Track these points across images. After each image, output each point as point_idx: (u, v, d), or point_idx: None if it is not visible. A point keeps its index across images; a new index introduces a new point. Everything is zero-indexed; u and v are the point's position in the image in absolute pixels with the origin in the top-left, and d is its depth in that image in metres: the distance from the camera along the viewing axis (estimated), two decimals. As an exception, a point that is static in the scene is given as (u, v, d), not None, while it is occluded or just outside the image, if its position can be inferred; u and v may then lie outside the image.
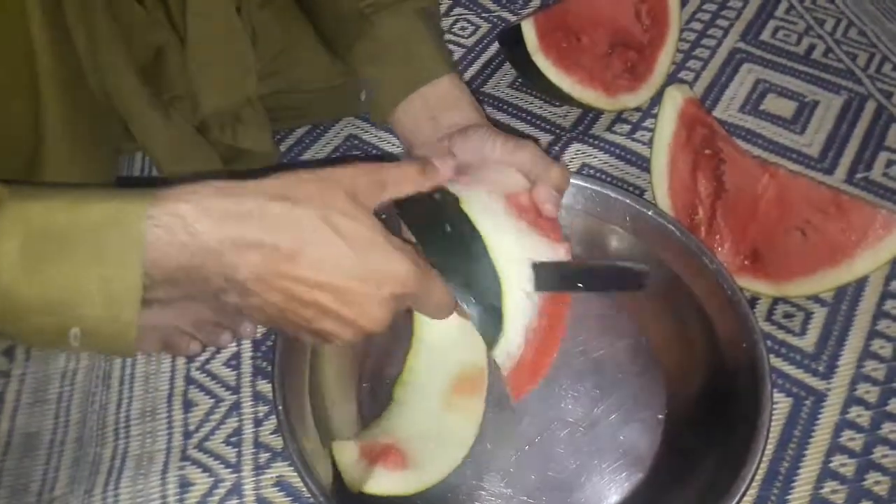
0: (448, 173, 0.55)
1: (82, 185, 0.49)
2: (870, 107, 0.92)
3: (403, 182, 0.52)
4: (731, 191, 0.74)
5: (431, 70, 0.66)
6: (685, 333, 0.68)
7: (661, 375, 0.68)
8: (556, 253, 0.57)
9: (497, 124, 0.67)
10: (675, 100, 0.76)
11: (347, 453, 0.58)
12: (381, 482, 0.56)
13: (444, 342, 0.63)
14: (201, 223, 0.42)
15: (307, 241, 0.44)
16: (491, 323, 0.54)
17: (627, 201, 0.70)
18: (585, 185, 0.71)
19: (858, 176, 0.85)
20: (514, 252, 0.55)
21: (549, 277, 0.56)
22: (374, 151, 0.87)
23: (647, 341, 0.70)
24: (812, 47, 0.99)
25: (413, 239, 0.54)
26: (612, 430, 0.65)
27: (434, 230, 0.53)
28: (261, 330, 0.73)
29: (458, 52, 0.99)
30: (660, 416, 0.66)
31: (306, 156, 0.87)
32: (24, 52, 0.54)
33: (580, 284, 0.59)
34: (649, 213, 0.69)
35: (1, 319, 0.42)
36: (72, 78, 0.58)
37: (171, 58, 0.70)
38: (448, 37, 1.01)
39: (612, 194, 0.70)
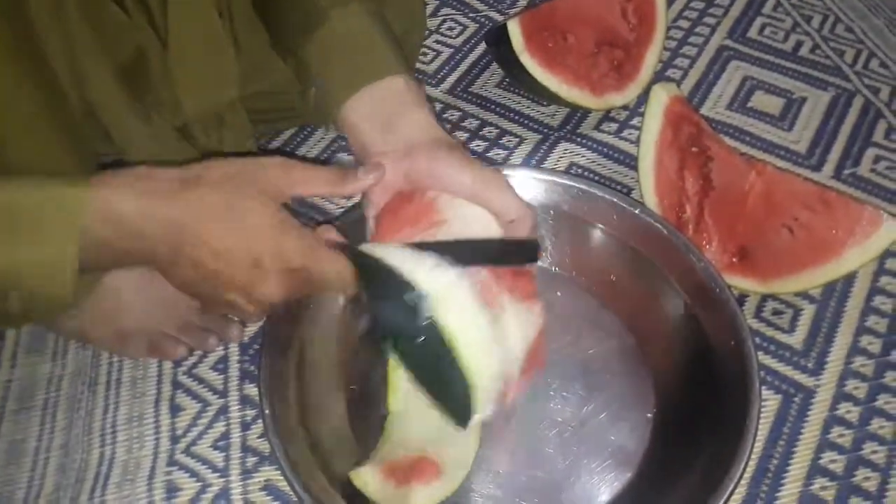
0: (367, 184, 0.55)
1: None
2: (857, 103, 0.92)
3: (314, 183, 0.54)
4: (719, 188, 0.74)
5: (382, 67, 0.61)
6: (673, 332, 0.68)
7: (649, 375, 0.68)
8: (531, 318, 0.56)
9: (456, 127, 0.65)
10: (661, 98, 0.76)
11: (370, 480, 0.57)
12: (421, 497, 0.56)
13: None
14: (127, 204, 0.47)
15: (209, 218, 0.49)
16: (460, 417, 0.54)
17: (614, 200, 0.70)
18: (572, 184, 0.71)
19: (846, 172, 0.85)
20: (486, 365, 0.53)
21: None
22: (362, 153, 0.87)
23: (634, 341, 0.70)
24: (799, 44, 0.99)
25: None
26: (601, 430, 0.65)
27: (407, 341, 0.53)
28: (248, 333, 0.72)
29: (445, 52, 0.99)
30: (648, 415, 0.65)
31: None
32: None
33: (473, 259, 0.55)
34: (636, 211, 0.69)
35: None
36: (40, 85, 0.57)
37: (152, 61, 0.70)
38: (435, 37, 1.00)
39: (599, 193, 0.70)
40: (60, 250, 0.47)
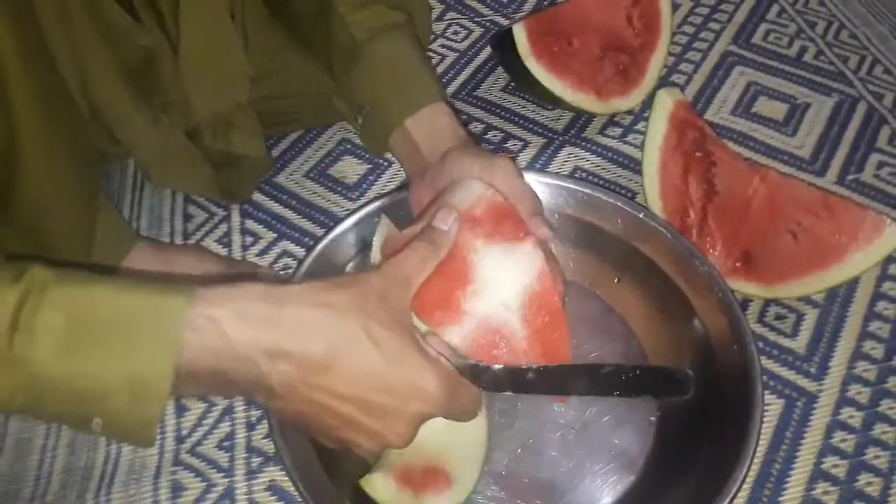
0: (453, 233, 0.52)
1: (124, 275, 0.48)
2: (861, 109, 0.92)
3: (422, 267, 0.50)
4: (723, 193, 0.75)
5: (426, 95, 0.64)
6: (677, 336, 0.68)
7: (653, 378, 0.68)
8: (519, 259, 0.54)
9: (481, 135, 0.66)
10: (665, 103, 0.76)
11: (384, 487, 0.57)
12: None
13: None
14: (235, 329, 0.41)
15: (341, 352, 0.43)
16: None
17: (619, 204, 0.70)
18: (576, 187, 0.71)
19: (850, 177, 0.85)
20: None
21: (585, 385, 0.54)
22: (367, 156, 0.87)
23: (638, 343, 0.70)
24: (803, 50, 0.99)
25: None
26: (604, 433, 0.65)
27: None
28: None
29: (450, 56, 0.99)
30: (651, 419, 0.66)
31: (299, 160, 0.87)
32: None
33: (616, 392, 0.55)
34: (641, 215, 0.69)
35: (27, 400, 0.41)
36: (45, 84, 0.57)
37: (162, 63, 0.71)
38: (441, 41, 1.01)
39: (604, 197, 0.70)
40: (156, 366, 0.40)
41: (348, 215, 0.68)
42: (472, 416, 0.52)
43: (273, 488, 0.64)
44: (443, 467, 0.59)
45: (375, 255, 0.57)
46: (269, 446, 0.66)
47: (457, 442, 0.60)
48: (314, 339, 0.43)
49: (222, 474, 0.65)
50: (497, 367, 0.51)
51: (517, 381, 0.51)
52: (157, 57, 0.71)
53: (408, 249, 0.50)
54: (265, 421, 0.67)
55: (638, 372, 0.54)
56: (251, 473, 0.65)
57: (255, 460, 0.65)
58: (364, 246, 0.68)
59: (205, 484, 0.64)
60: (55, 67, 0.59)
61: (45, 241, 0.61)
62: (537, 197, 0.60)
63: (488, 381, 0.51)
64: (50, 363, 0.40)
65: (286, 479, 0.64)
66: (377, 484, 0.57)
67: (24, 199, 0.57)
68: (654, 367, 0.55)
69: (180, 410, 0.68)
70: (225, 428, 0.67)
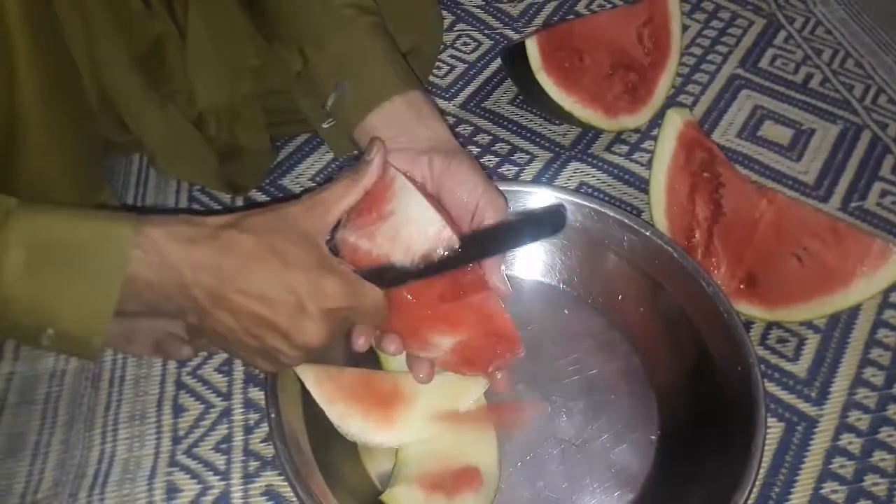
0: (379, 163, 0.56)
1: (80, 206, 0.51)
2: (865, 137, 0.93)
3: (339, 199, 0.54)
4: (729, 214, 0.75)
5: (401, 82, 0.62)
6: (680, 355, 0.68)
7: (653, 396, 0.68)
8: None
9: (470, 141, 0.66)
10: (675, 122, 0.77)
11: (411, 498, 0.57)
12: None
13: None
14: (168, 247, 0.48)
15: (248, 261, 0.49)
16: None
17: (626, 221, 0.70)
18: (584, 202, 0.71)
19: (853, 205, 0.85)
20: None
21: (474, 249, 0.56)
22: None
23: (640, 362, 0.70)
24: (809, 76, 1.00)
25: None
26: (604, 450, 0.65)
27: None
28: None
29: (459, 67, 0.99)
30: (652, 437, 0.65)
31: (306, 163, 0.87)
32: None
33: (502, 245, 0.59)
34: (647, 233, 0.69)
35: None
36: (53, 68, 0.57)
37: (170, 51, 0.71)
38: (450, 51, 1.01)
39: (610, 213, 0.70)
40: (99, 289, 0.46)
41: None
42: (378, 316, 0.55)
43: (270, 493, 0.63)
44: (470, 465, 0.58)
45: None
46: (267, 450, 0.65)
47: (470, 439, 0.60)
48: (229, 253, 0.49)
49: (218, 477, 0.64)
50: (399, 263, 0.55)
51: (418, 271, 0.55)
52: (165, 44, 0.70)
53: (333, 181, 0.55)
54: (263, 425, 0.67)
55: (514, 224, 0.57)
56: (248, 477, 0.64)
57: (253, 464, 0.64)
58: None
59: (200, 486, 0.63)
60: (66, 51, 0.59)
61: None
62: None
63: (392, 278, 0.54)
64: (11, 283, 0.44)
65: (283, 484, 0.63)
66: (402, 496, 0.56)
67: (24, 177, 0.57)
68: (527, 214, 0.59)
69: (178, 411, 0.68)
70: (222, 430, 0.67)
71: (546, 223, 0.59)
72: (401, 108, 0.61)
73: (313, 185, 0.85)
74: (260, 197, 0.83)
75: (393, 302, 0.55)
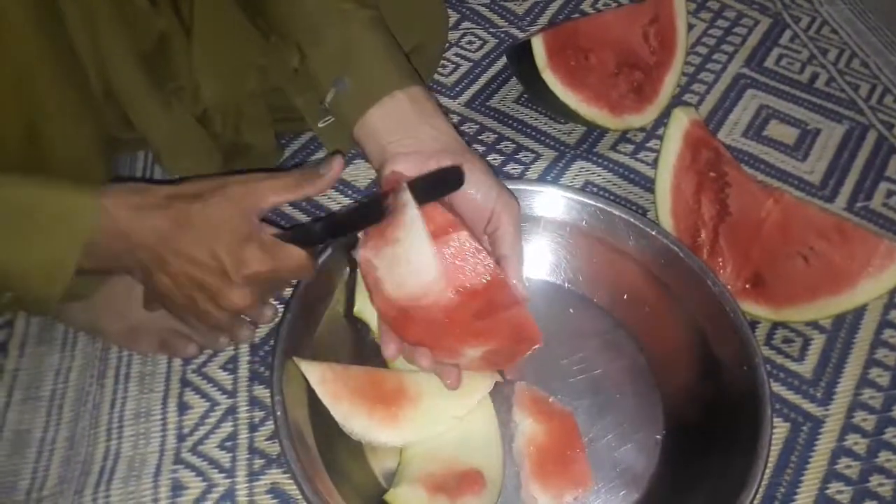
0: (329, 180, 0.58)
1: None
2: (871, 137, 0.92)
3: (277, 191, 0.57)
4: (735, 214, 0.75)
5: (400, 78, 0.61)
6: (685, 355, 0.68)
7: (659, 396, 0.68)
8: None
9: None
10: (681, 121, 0.76)
11: (414, 498, 0.57)
12: None
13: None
14: (121, 213, 0.52)
15: (185, 228, 0.54)
16: None
17: (632, 220, 0.70)
18: (590, 202, 0.71)
19: (859, 205, 0.85)
20: None
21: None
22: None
23: (646, 361, 0.70)
24: (815, 76, 1.00)
25: None
26: (608, 449, 0.64)
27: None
28: (259, 335, 0.72)
29: (464, 66, 0.99)
30: (657, 437, 0.65)
31: (311, 161, 0.87)
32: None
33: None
34: (653, 232, 0.69)
35: None
36: (64, 62, 0.57)
37: (175, 48, 0.70)
38: (455, 50, 1.01)
39: (617, 213, 0.70)
40: (64, 254, 0.52)
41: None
42: (304, 272, 0.59)
43: (275, 491, 0.63)
44: (474, 468, 0.58)
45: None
46: (272, 448, 0.65)
47: (475, 442, 0.60)
48: (171, 220, 0.54)
49: (224, 475, 0.64)
50: (314, 223, 0.58)
51: (329, 228, 0.58)
52: (171, 41, 0.70)
53: (285, 172, 0.59)
54: (269, 423, 0.67)
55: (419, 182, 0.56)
56: (253, 475, 0.64)
57: (258, 462, 0.64)
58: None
59: (206, 484, 0.63)
60: (71, 47, 0.59)
61: None
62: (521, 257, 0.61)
63: (306, 237, 0.58)
64: None
65: (288, 482, 0.63)
66: (405, 495, 0.56)
67: (54, 167, 0.58)
68: (428, 175, 0.57)
69: (182, 409, 0.68)
70: (227, 428, 0.67)
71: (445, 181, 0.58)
72: (402, 103, 0.60)
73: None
74: (265, 195, 0.83)
75: (426, 320, 0.56)
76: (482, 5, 1.08)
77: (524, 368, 0.63)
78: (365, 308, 0.63)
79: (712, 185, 0.76)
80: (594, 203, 0.71)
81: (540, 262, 0.74)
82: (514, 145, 0.90)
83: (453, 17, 1.05)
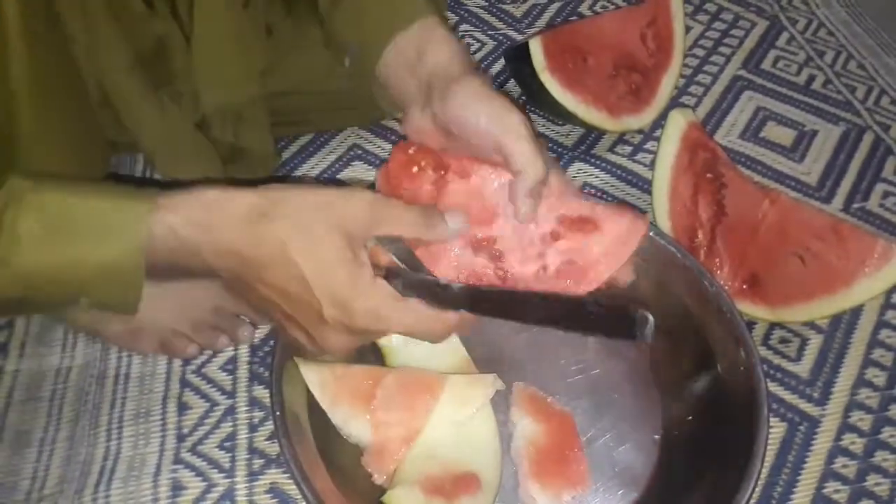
0: (454, 233, 0.53)
1: (96, 182, 0.52)
2: (867, 138, 0.93)
3: (400, 224, 0.51)
4: (732, 215, 0.75)
5: (407, 13, 0.60)
6: (682, 355, 0.68)
7: (657, 396, 0.68)
8: None
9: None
10: (678, 123, 0.77)
11: (412, 500, 0.57)
12: None
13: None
14: (187, 231, 0.47)
15: (274, 257, 0.48)
16: None
17: None
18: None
19: (855, 206, 0.86)
20: None
21: (539, 315, 0.51)
22: (377, 162, 0.87)
23: (644, 361, 0.70)
24: (812, 78, 1.00)
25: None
26: (606, 450, 0.65)
27: None
28: (259, 335, 0.72)
29: (463, 68, 0.99)
30: (655, 437, 0.66)
31: (309, 164, 0.87)
32: None
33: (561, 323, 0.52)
34: (651, 233, 0.69)
35: (19, 292, 0.48)
36: (52, 66, 0.57)
37: (174, 53, 0.71)
38: (454, 52, 1.01)
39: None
40: (127, 254, 0.47)
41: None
42: (437, 337, 0.53)
43: (274, 491, 0.63)
44: (470, 471, 0.59)
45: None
46: (271, 448, 0.66)
47: (473, 445, 0.60)
48: (253, 246, 0.48)
49: (223, 475, 0.64)
50: (457, 284, 0.51)
51: (475, 300, 0.51)
52: (170, 46, 0.71)
53: (399, 204, 0.51)
54: (268, 423, 0.67)
55: (591, 310, 0.51)
56: (252, 475, 0.64)
57: (257, 462, 0.65)
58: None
59: (205, 483, 0.63)
60: (67, 50, 0.59)
61: None
62: (543, 170, 0.55)
63: (446, 299, 0.51)
64: (33, 261, 0.46)
65: (288, 482, 0.63)
66: (402, 498, 0.57)
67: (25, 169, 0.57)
68: (610, 307, 0.50)
69: (182, 409, 0.68)
70: (227, 428, 0.67)
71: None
72: (404, 45, 0.59)
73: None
74: (264, 196, 0.83)
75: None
76: (480, 8, 1.08)
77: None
78: None
79: (709, 187, 0.76)
80: None
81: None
82: (512, 147, 0.90)
83: (452, 19, 1.06)
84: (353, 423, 0.60)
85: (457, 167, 0.58)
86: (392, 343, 0.64)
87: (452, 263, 0.57)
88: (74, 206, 0.47)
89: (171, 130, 0.72)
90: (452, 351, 0.65)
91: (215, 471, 0.64)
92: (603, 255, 0.58)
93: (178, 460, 0.65)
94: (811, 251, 0.71)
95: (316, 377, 0.60)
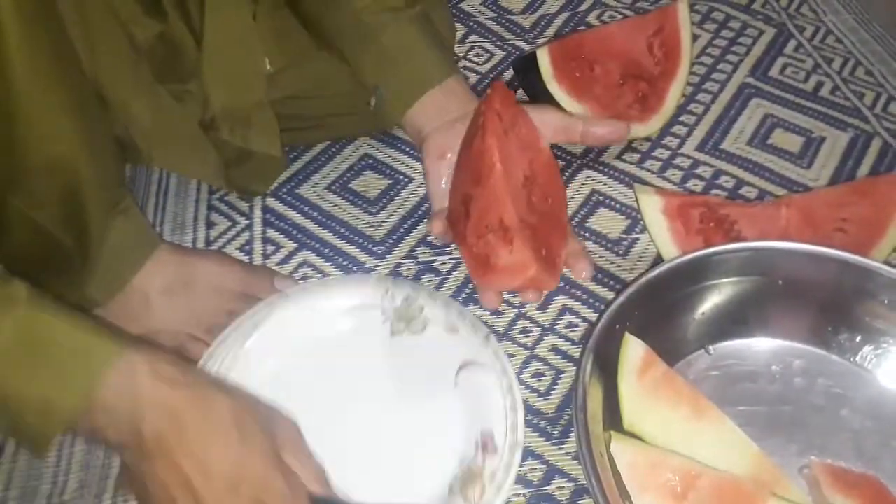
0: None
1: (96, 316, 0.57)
2: (875, 145, 0.93)
3: (307, 474, 0.54)
4: (758, 239, 0.74)
5: (435, 76, 0.75)
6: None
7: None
8: None
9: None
10: (652, 203, 0.77)
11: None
12: None
13: None
14: (145, 380, 0.49)
15: (210, 422, 0.50)
16: None
17: None
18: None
19: (863, 211, 0.86)
20: None
21: None
22: (388, 171, 0.89)
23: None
24: (820, 85, 1.01)
25: None
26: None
27: None
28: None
29: (472, 79, 1.01)
30: None
31: (321, 173, 0.89)
32: None
33: None
34: None
35: None
36: (53, 58, 0.56)
37: (185, 55, 0.72)
38: (463, 63, 1.03)
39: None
40: (65, 394, 0.48)
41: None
42: None
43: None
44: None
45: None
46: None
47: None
48: (197, 409, 0.50)
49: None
50: None
51: None
52: (180, 48, 0.72)
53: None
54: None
55: None
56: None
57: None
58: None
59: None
60: (67, 43, 0.59)
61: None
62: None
63: None
64: None
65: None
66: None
67: (35, 164, 0.57)
68: None
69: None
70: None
71: None
72: (436, 98, 0.75)
73: (330, 193, 0.86)
74: (277, 205, 0.85)
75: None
76: (489, 19, 1.10)
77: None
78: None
79: (719, 231, 0.76)
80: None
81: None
82: (521, 155, 0.91)
83: (461, 30, 1.07)
84: None
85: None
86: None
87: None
88: (45, 332, 0.48)
89: (167, 126, 0.73)
90: (741, 444, 0.60)
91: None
92: None
93: (193, 465, 0.66)
94: (847, 220, 0.72)
95: (627, 457, 0.57)
